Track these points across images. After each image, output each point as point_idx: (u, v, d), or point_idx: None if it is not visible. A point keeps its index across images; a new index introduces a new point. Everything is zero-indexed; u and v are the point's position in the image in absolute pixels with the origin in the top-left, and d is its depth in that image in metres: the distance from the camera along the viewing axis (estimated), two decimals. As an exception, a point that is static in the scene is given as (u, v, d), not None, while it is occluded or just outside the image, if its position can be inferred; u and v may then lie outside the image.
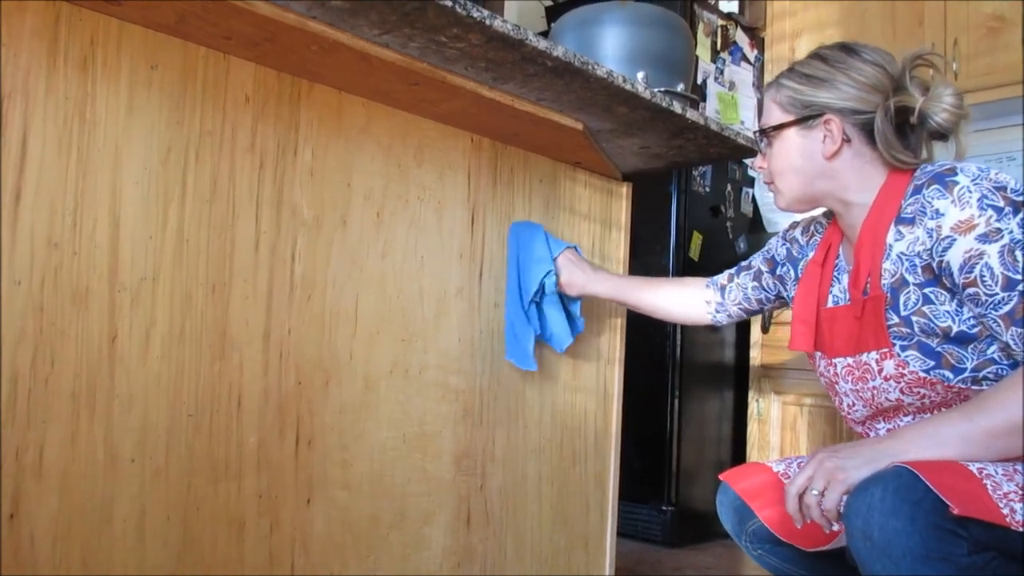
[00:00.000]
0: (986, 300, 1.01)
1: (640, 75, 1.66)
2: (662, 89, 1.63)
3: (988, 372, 1.06)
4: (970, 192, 1.03)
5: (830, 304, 1.23)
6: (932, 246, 1.06)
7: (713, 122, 1.59)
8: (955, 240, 1.03)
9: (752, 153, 1.78)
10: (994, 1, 2.63)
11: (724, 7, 3.17)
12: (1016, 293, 0.99)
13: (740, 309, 1.51)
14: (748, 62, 3.18)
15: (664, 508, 2.70)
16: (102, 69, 1.06)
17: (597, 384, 1.81)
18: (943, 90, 1.12)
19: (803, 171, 1.21)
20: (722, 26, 3.07)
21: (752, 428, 2.84)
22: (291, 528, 1.25)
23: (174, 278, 1.12)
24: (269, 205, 1.24)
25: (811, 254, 1.34)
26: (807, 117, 1.19)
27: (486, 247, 1.58)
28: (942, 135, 1.15)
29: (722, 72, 3.05)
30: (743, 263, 1.51)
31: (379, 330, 1.38)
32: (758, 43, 3.24)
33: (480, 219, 1.57)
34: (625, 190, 1.88)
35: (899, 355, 1.10)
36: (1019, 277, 0.98)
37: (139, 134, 1.09)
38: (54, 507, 1.01)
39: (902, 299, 1.10)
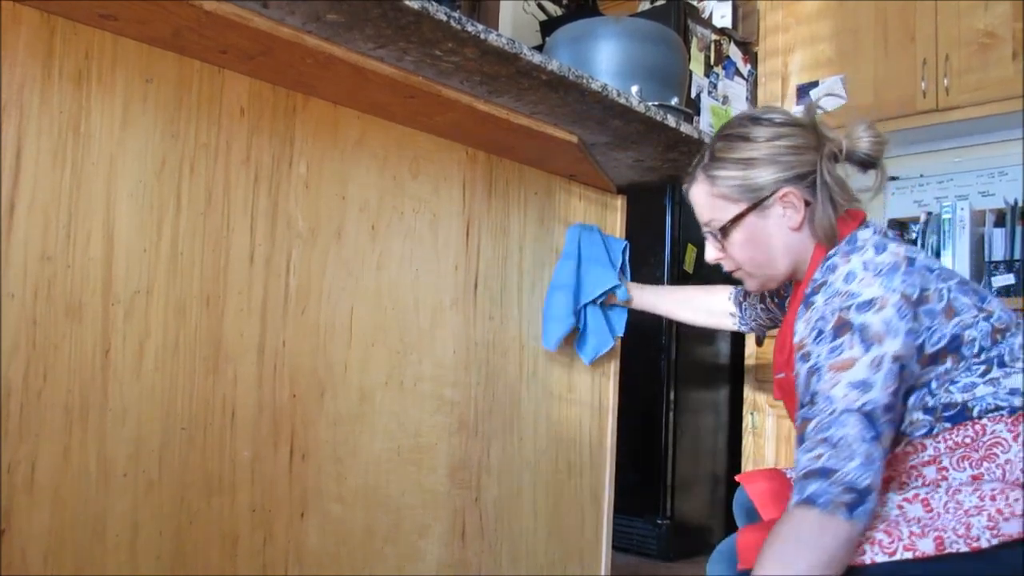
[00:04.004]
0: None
1: (634, 89, 1.67)
2: (656, 103, 1.64)
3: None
4: (816, 312, 1.05)
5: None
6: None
7: (707, 135, 1.60)
8: (797, 359, 1.07)
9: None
10: (985, 17, 2.66)
11: (717, 22, 3.20)
12: (800, 416, 1.03)
13: (758, 324, 1.59)
14: (741, 76, 3.20)
15: (659, 521, 2.70)
16: (97, 83, 1.06)
17: (592, 397, 1.81)
18: (858, 125, 1.16)
19: (773, 250, 1.18)
20: (715, 41, 3.09)
21: (747, 441, 2.84)
22: (285, 542, 1.24)
23: (168, 291, 1.12)
24: (264, 217, 1.24)
25: (788, 298, 1.35)
26: (761, 199, 1.15)
27: (481, 259, 1.58)
28: (869, 164, 1.17)
29: (716, 86, 3.07)
30: None
31: (374, 342, 1.38)
32: (751, 58, 3.26)
33: (475, 231, 1.57)
34: (620, 203, 1.89)
35: None
36: (807, 400, 1.02)
37: (134, 147, 1.09)
38: (46, 522, 1.00)
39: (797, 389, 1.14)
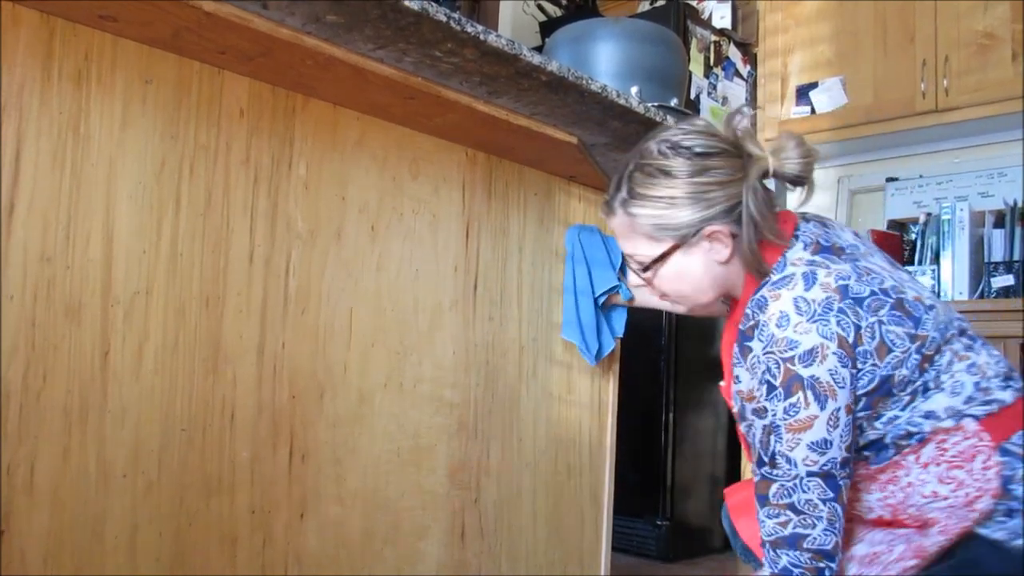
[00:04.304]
0: None
1: (634, 90, 1.67)
2: (656, 104, 1.64)
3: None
4: (759, 363, 1.01)
5: None
6: (740, 402, 1.08)
7: (706, 137, 1.60)
8: (745, 405, 1.05)
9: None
10: (985, 19, 2.66)
11: (717, 23, 3.20)
12: (760, 473, 1.03)
13: None
14: (741, 77, 3.20)
15: (659, 522, 2.69)
16: (96, 84, 1.06)
17: (592, 398, 1.81)
18: (787, 141, 1.09)
19: (700, 283, 1.14)
20: (715, 42, 3.09)
21: (747, 442, 2.84)
22: (284, 543, 1.24)
23: (168, 292, 1.12)
24: (263, 218, 1.24)
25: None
26: (685, 238, 1.09)
27: (481, 260, 1.58)
28: (798, 183, 1.11)
29: (715, 87, 3.07)
30: None
31: (373, 343, 1.38)
32: (751, 59, 3.26)
33: (475, 232, 1.57)
34: (619, 204, 1.89)
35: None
36: (766, 458, 1.02)
37: (133, 148, 1.09)
38: (45, 523, 1.00)
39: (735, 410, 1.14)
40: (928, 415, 1.02)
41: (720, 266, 1.11)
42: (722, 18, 3.23)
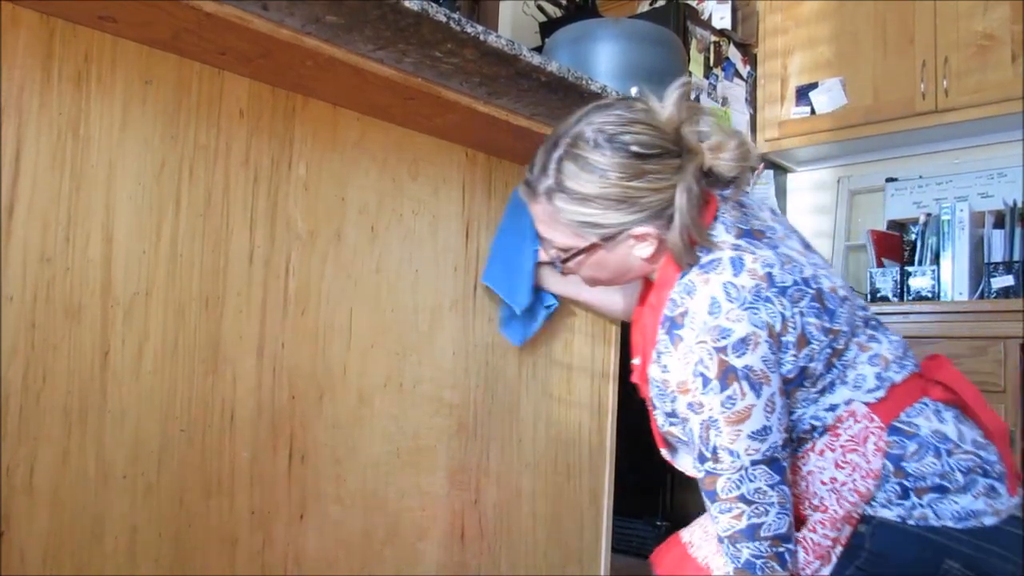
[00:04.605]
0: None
1: (634, 90, 1.67)
2: (655, 104, 1.63)
3: None
4: (691, 353, 0.99)
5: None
6: (666, 391, 1.06)
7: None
8: (677, 397, 1.03)
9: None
10: (984, 20, 2.66)
11: (717, 24, 3.20)
12: (704, 469, 1.01)
13: None
14: (741, 78, 3.20)
15: (659, 523, 2.69)
16: (96, 85, 1.06)
17: (592, 398, 1.81)
18: (728, 140, 1.05)
19: (618, 273, 1.12)
20: (715, 42, 3.09)
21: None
22: (284, 544, 1.24)
23: (167, 293, 1.12)
24: (263, 219, 1.23)
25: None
26: (610, 237, 1.05)
27: (480, 261, 1.58)
28: (729, 182, 1.09)
29: (715, 88, 3.07)
30: None
31: (373, 344, 1.38)
32: (751, 59, 3.26)
33: (474, 233, 1.57)
34: (619, 205, 1.89)
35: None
36: (708, 454, 0.99)
37: (133, 149, 1.09)
38: (45, 524, 1.00)
39: (656, 405, 1.13)
40: (831, 408, 1.04)
41: (643, 261, 1.09)
42: (722, 19, 3.24)
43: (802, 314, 1.01)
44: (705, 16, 3.21)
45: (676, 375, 1.02)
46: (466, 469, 1.53)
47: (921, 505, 1.00)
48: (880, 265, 2.86)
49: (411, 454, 1.43)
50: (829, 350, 1.03)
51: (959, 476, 1.00)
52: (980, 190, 2.87)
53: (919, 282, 2.73)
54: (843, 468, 1.02)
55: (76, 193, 1.03)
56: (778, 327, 0.99)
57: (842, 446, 1.02)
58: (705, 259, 1.04)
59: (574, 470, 1.76)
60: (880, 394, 1.03)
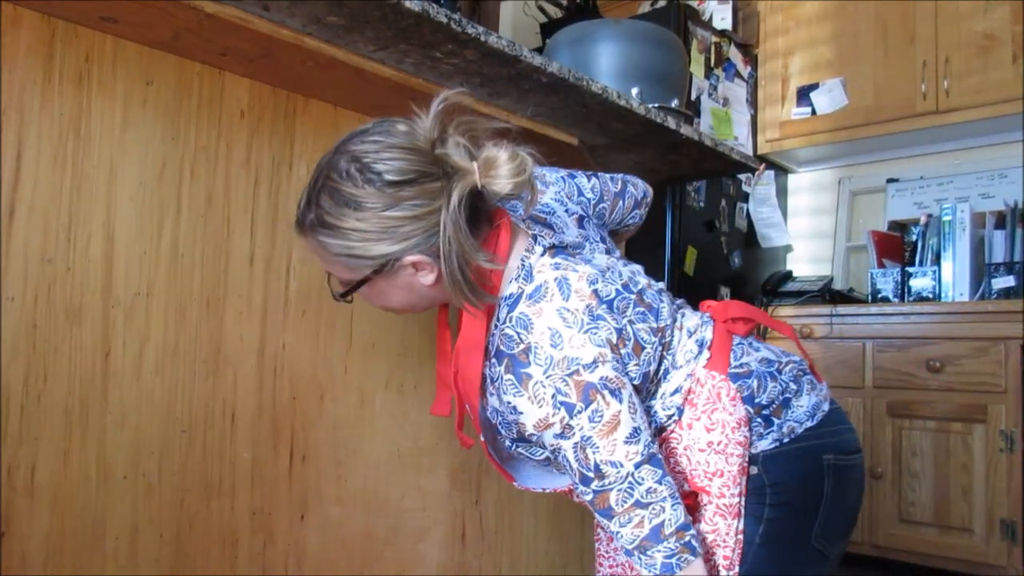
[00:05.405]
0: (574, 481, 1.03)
1: (634, 91, 1.67)
2: (656, 105, 1.64)
3: None
4: (543, 387, 0.97)
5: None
6: (521, 430, 1.03)
7: (707, 137, 1.60)
8: (539, 435, 1.01)
9: (747, 168, 1.79)
10: (985, 20, 2.66)
11: (718, 24, 3.20)
12: (591, 490, 1.00)
13: None
14: (741, 78, 3.20)
15: (660, 524, 2.69)
16: (97, 85, 1.06)
17: (592, 399, 1.81)
18: (499, 154, 0.97)
19: (409, 300, 1.06)
20: (716, 43, 3.09)
21: (747, 443, 2.83)
22: (285, 545, 1.24)
23: (168, 293, 1.12)
24: (264, 220, 1.23)
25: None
26: (382, 267, 0.99)
27: (481, 262, 1.57)
28: (509, 199, 1.03)
29: (716, 88, 3.07)
30: None
31: (374, 344, 1.38)
32: (751, 60, 3.26)
33: (475, 234, 1.57)
34: (620, 205, 1.89)
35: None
36: (591, 474, 0.98)
37: (134, 150, 1.09)
38: (46, 525, 1.00)
39: (501, 432, 1.10)
40: (676, 391, 1.07)
41: (429, 288, 1.03)
42: (723, 19, 3.23)
43: (631, 322, 1.03)
44: (706, 17, 3.21)
45: (532, 416, 0.99)
46: (467, 469, 1.53)
47: (784, 423, 1.07)
48: (881, 266, 2.86)
49: (412, 454, 1.43)
50: (660, 347, 1.06)
51: (792, 385, 1.09)
52: (981, 191, 2.87)
53: (920, 283, 2.73)
54: (714, 429, 1.05)
55: (77, 193, 1.03)
56: (615, 340, 1.01)
57: (703, 411, 1.06)
58: (529, 288, 1.02)
59: (575, 471, 1.76)
60: (707, 355, 1.09)
